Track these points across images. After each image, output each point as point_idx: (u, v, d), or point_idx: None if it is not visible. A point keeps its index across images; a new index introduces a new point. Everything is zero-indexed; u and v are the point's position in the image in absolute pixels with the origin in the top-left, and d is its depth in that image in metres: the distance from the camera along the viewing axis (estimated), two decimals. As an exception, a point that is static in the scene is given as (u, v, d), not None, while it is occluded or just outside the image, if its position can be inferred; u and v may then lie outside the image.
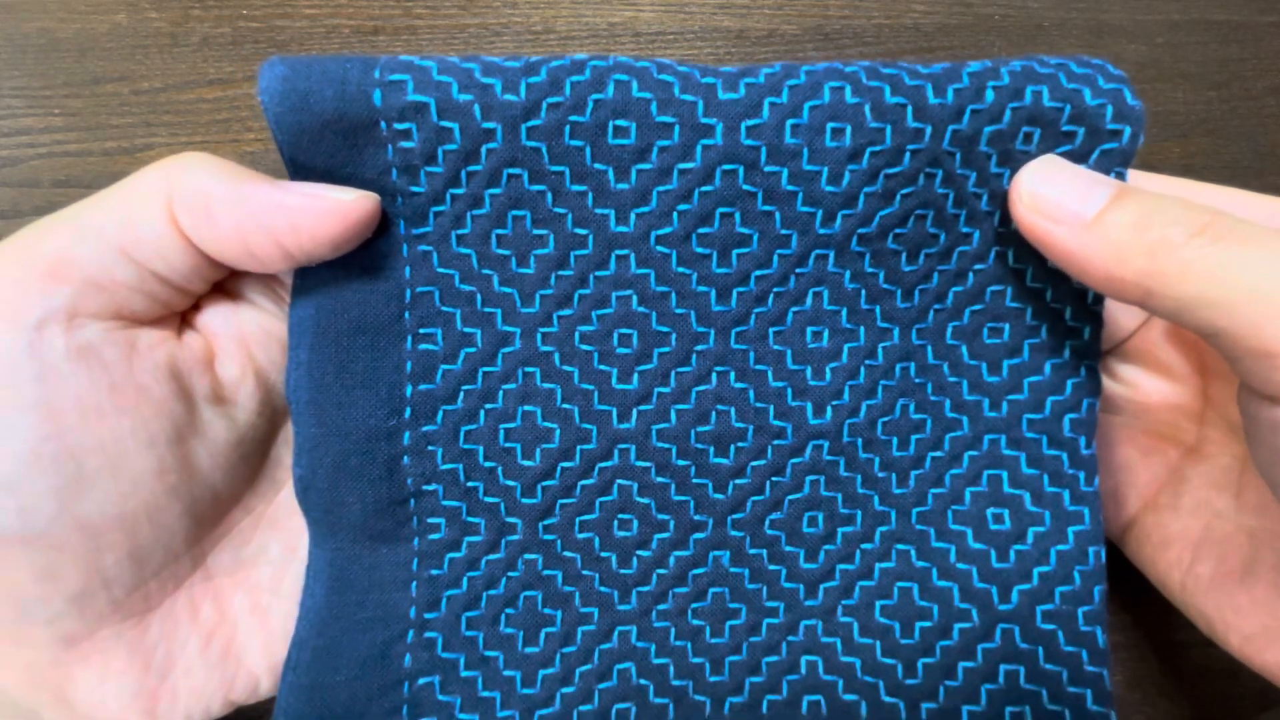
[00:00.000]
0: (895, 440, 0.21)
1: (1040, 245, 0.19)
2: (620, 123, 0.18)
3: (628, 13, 0.32)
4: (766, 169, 0.19)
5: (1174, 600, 0.22)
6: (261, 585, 0.21)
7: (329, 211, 0.18)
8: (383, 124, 0.18)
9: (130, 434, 0.18)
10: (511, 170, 0.19)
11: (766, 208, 0.19)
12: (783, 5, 0.32)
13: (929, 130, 0.19)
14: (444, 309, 0.20)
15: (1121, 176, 0.19)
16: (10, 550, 0.17)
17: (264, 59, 0.31)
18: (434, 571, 0.20)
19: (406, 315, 0.20)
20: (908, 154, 0.19)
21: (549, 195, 0.19)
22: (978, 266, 0.21)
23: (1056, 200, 0.18)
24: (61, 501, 0.17)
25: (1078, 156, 0.19)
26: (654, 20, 0.31)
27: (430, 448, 0.20)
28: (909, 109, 0.18)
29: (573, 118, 0.18)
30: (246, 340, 0.21)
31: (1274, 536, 0.20)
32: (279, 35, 0.32)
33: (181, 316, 0.20)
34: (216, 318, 0.20)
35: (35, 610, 0.18)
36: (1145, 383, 0.24)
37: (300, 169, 0.18)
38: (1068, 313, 0.21)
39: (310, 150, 0.18)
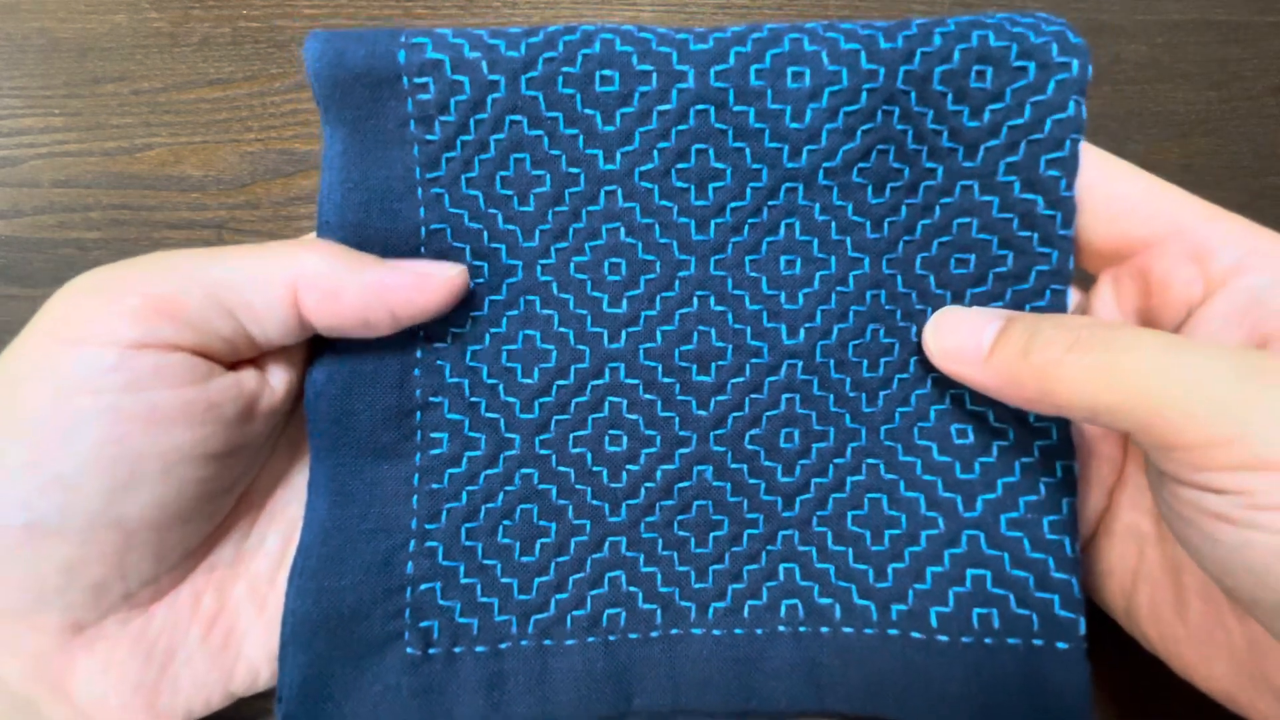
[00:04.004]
0: (865, 362, 0.23)
1: (962, 382, 0.21)
2: (605, 72, 0.21)
3: (628, 13, 0.32)
4: (735, 108, 0.21)
5: (1122, 625, 0.23)
6: (260, 576, 0.22)
7: (440, 287, 0.20)
8: (404, 79, 0.21)
9: (190, 446, 0.19)
10: (513, 117, 0.21)
11: (737, 144, 0.22)
12: (783, 5, 0.32)
13: (882, 71, 0.21)
14: (455, 244, 0.22)
15: (1080, 105, 0.21)
16: (44, 541, 0.18)
17: (264, 59, 0.31)
18: (434, 486, 0.22)
19: (422, 249, 0.22)
20: (864, 93, 0.21)
21: (545, 139, 0.22)
22: (944, 200, 0.22)
23: (957, 346, 0.21)
24: (106, 502, 0.18)
25: (1034, 89, 0.21)
26: (654, 20, 0.32)
27: (439, 363, 0.22)
28: (862, 53, 0.21)
29: (565, 69, 0.21)
30: (289, 350, 0.22)
31: (1193, 564, 0.20)
32: (279, 35, 0.32)
33: None
34: None
35: (53, 598, 0.18)
36: None
37: (331, 120, 0.21)
38: (1035, 239, 0.22)
39: (341, 102, 0.21)
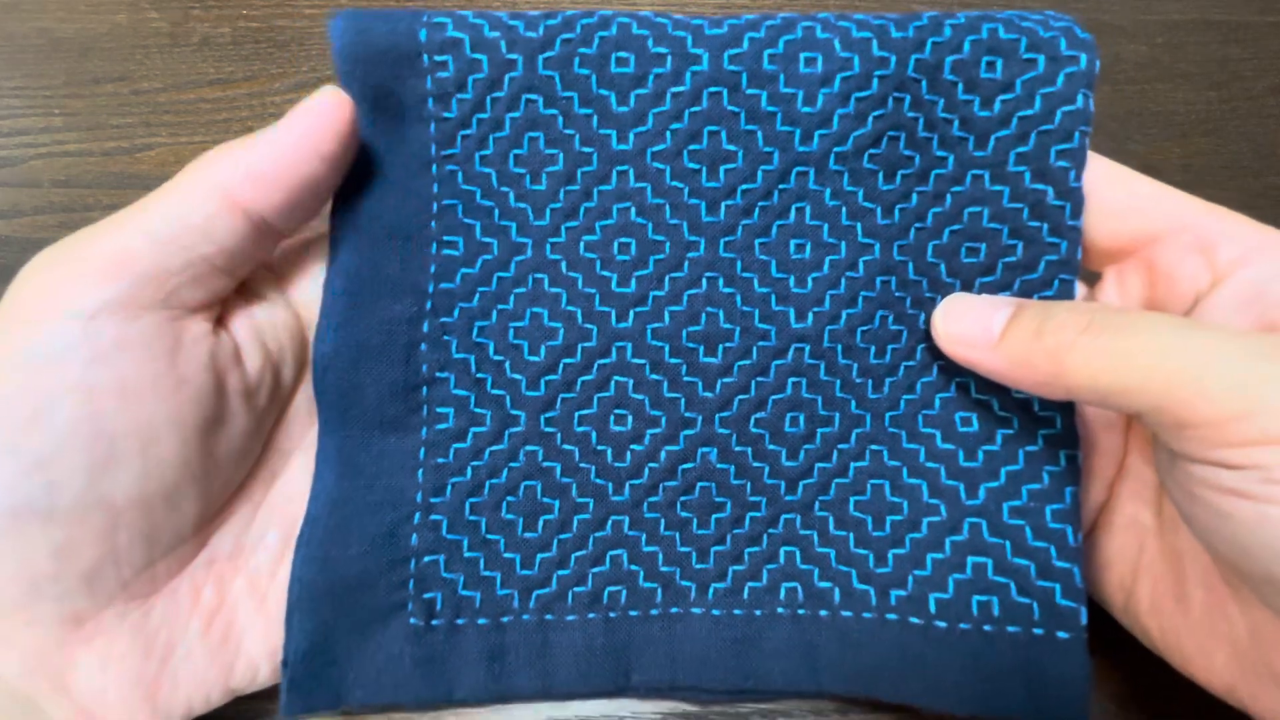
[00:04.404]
0: (873, 348, 0.23)
1: (969, 367, 0.21)
2: (621, 54, 0.21)
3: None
4: (748, 91, 0.21)
5: (1119, 619, 0.23)
6: (261, 571, 0.22)
7: (334, 107, 0.20)
8: (424, 56, 0.21)
9: (165, 421, 0.19)
10: (529, 96, 0.22)
11: (749, 127, 0.22)
12: (783, 5, 0.32)
13: (893, 59, 0.21)
14: (465, 220, 0.22)
15: (1088, 98, 0.21)
16: (32, 525, 0.18)
17: (264, 59, 0.31)
18: (440, 460, 0.22)
19: (433, 224, 0.22)
20: (875, 79, 0.21)
21: (560, 118, 0.22)
22: (955, 189, 0.22)
23: (966, 331, 0.21)
24: (89, 480, 0.18)
25: (1044, 81, 0.21)
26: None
27: (446, 338, 0.22)
28: (874, 41, 0.21)
29: (581, 50, 0.21)
30: (262, 333, 0.22)
31: (1196, 553, 0.21)
32: (279, 35, 0.32)
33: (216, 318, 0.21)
34: (238, 315, 0.22)
35: (47, 587, 0.18)
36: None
37: (354, 97, 0.21)
38: (1044, 229, 0.22)
39: (364, 78, 0.21)
